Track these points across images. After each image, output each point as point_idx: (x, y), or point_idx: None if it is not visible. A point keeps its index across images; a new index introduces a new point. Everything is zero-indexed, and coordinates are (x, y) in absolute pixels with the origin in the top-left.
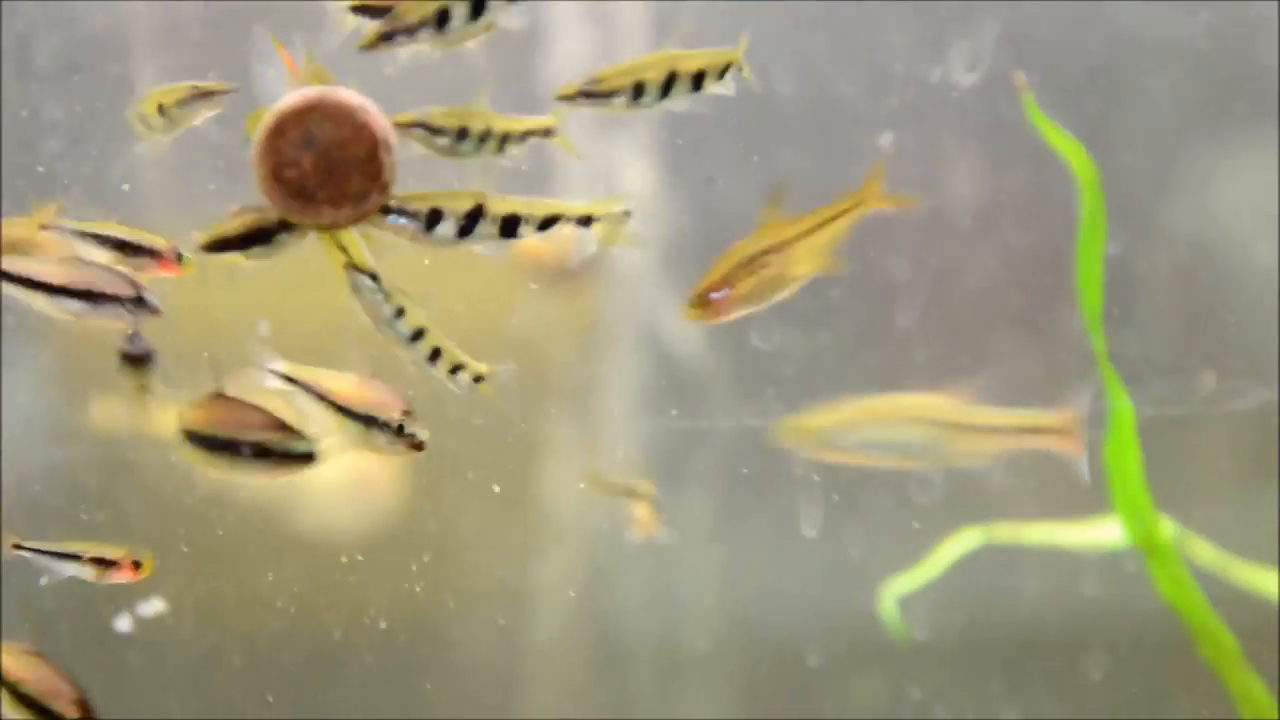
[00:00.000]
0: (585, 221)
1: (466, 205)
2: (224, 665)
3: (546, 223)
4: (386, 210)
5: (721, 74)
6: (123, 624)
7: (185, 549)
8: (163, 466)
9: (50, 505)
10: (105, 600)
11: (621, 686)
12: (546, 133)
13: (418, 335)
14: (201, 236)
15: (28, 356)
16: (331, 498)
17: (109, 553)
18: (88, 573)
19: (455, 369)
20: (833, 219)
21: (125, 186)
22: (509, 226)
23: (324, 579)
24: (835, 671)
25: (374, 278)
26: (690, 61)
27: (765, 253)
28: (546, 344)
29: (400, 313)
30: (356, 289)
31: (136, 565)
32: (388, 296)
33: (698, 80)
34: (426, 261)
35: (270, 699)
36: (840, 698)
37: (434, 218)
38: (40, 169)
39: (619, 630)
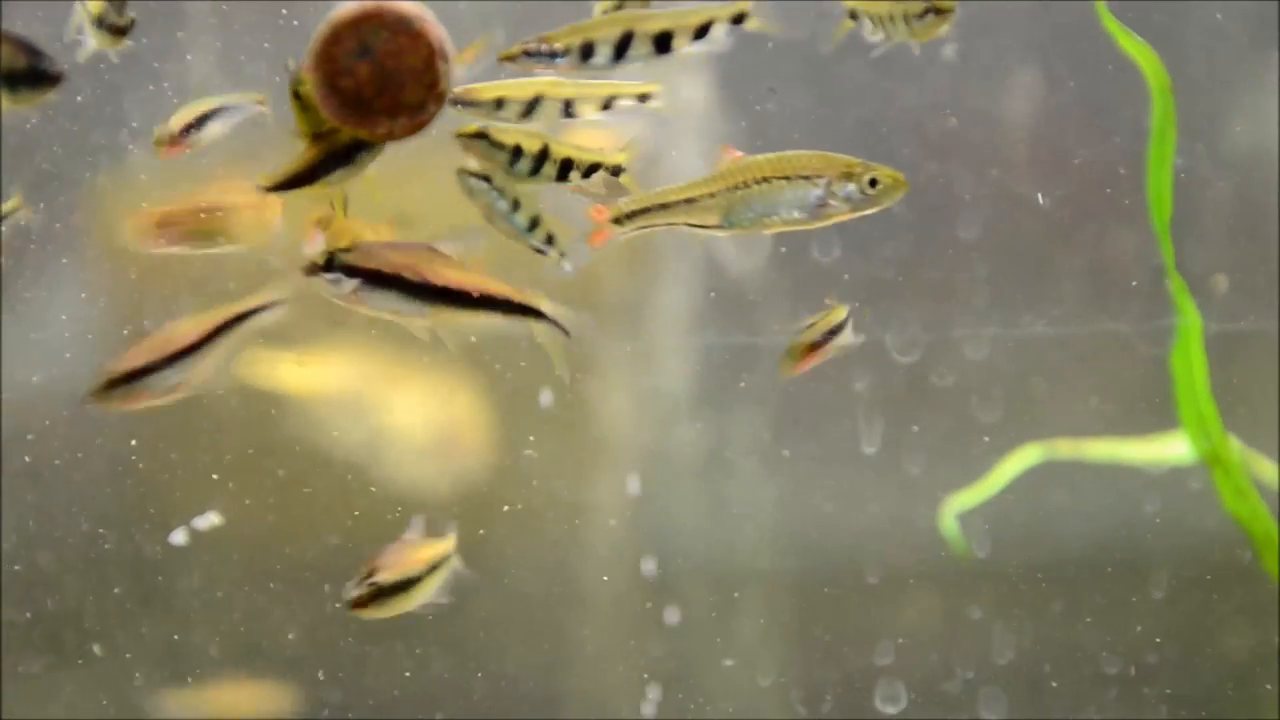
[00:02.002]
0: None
1: (537, 145)
2: (276, 578)
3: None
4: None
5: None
6: (177, 538)
7: (232, 459)
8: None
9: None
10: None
11: (678, 605)
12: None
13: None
14: (264, 179)
15: (85, 275)
16: (391, 417)
17: None
18: None
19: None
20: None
21: None
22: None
23: (376, 495)
24: (894, 590)
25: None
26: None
27: None
28: (600, 260)
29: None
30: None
31: None
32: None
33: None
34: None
35: (325, 610)
36: (899, 617)
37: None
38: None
39: (676, 549)
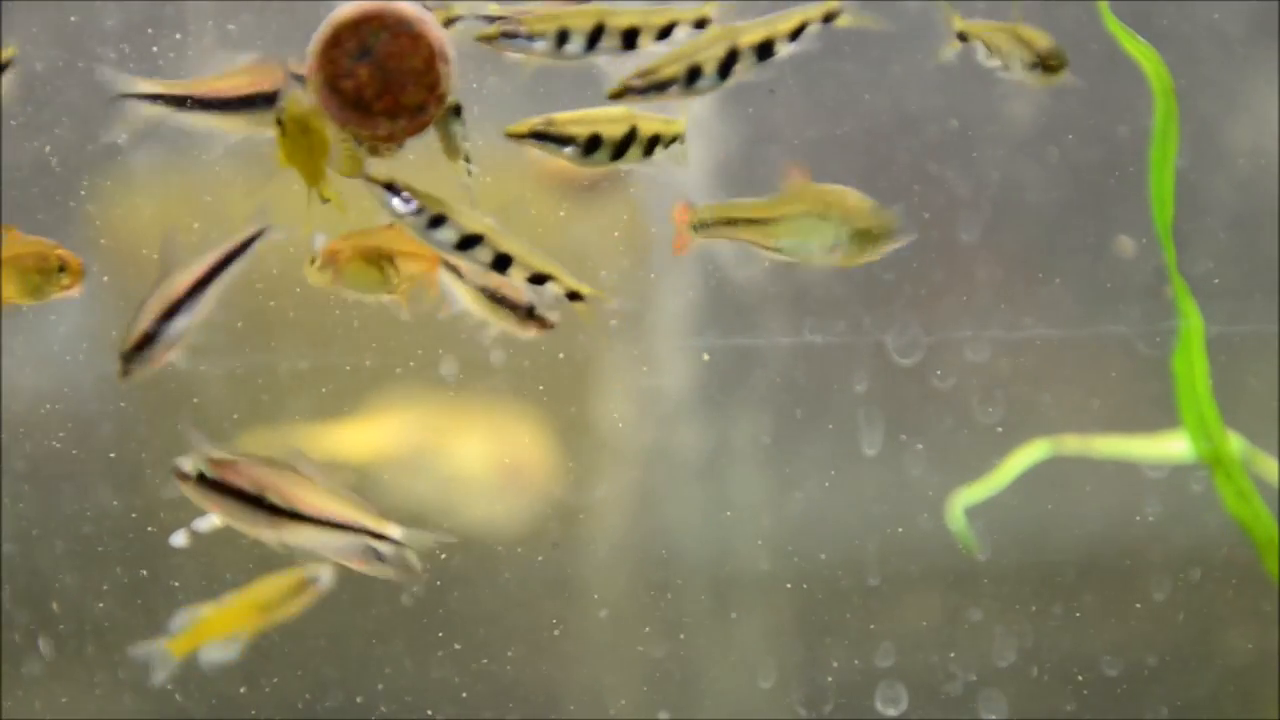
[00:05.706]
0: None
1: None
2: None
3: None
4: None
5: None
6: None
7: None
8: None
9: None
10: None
11: (678, 607)
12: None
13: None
14: None
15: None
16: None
17: None
18: None
19: (539, 279)
20: None
21: None
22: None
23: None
24: (894, 592)
25: (390, 187)
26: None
27: None
28: (597, 262)
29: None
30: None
31: None
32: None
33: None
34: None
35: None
36: (898, 619)
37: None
38: None
39: (675, 551)
